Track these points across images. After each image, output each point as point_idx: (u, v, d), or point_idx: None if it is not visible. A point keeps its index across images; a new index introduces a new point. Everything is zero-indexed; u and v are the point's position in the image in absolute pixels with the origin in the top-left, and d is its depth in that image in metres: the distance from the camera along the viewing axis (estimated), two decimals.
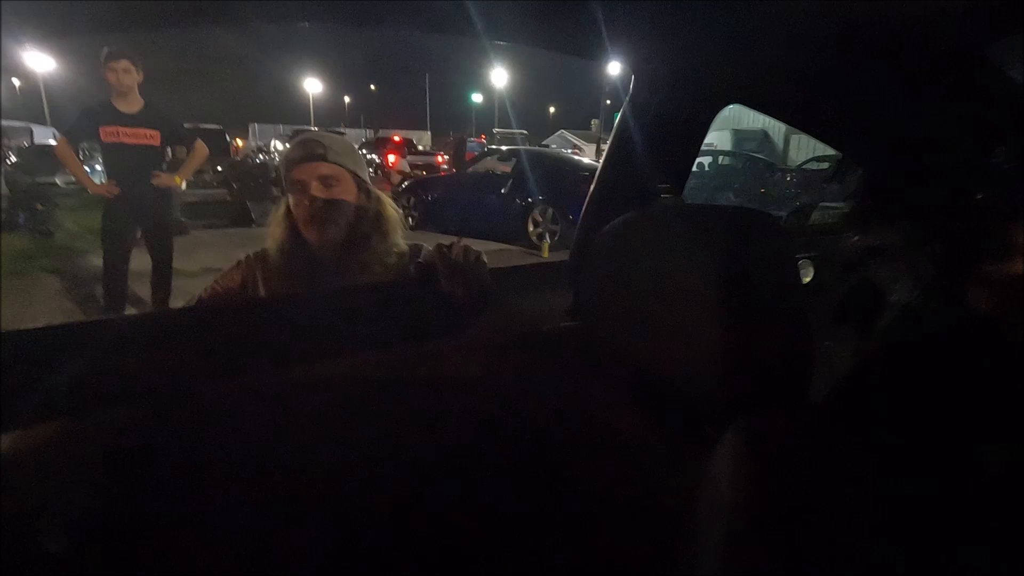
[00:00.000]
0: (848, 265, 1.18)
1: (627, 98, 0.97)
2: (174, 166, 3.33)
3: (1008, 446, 0.84)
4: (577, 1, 0.69)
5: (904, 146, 0.98)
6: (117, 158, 2.99)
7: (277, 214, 1.08)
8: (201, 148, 3.27)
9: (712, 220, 0.54)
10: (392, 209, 1.13)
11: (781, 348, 0.51)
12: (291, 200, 1.05)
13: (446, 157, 16.48)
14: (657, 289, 0.57)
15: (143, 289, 3.38)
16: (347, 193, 1.06)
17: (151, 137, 3.01)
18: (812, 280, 1.23)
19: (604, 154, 1.04)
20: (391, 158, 12.06)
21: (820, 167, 9.86)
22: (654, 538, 0.55)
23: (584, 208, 1.05)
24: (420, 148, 16.88)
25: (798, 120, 1.02)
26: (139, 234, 3.17)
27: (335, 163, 1.04)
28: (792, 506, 0.41)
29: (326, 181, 1.04)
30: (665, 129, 0.98)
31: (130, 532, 0.62)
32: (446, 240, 0.92)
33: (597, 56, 0.88)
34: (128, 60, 2.84)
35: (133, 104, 2.94)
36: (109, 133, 2.91)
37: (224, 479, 0.67)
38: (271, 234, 1.08)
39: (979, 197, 1.05)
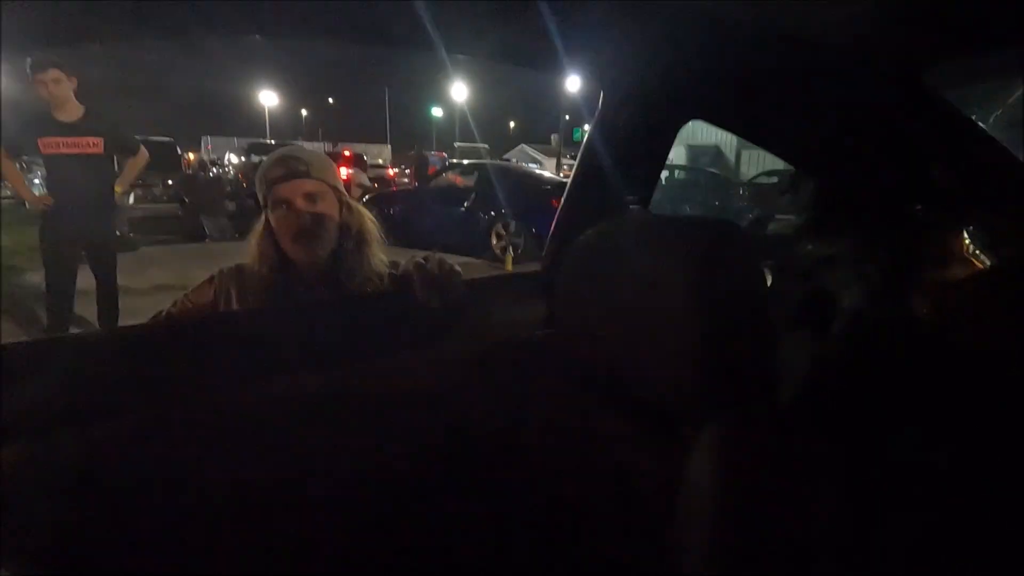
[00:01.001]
0: (802, 273, 1.24)
1: (596, 114, 1.00)
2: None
3: (953, 438, 0.90)
4: (553, 23, 0.72)
5: (851, 162, 1.04)
6: (59, 170, 2.83)
7: (256, 231, 1.07)
8: (143, 155, 3.12)
9: (682, 230, 0.57)
10: (372, 222, 1.13)
11: (749, 351, 0.53)
12: (274, 218, 1.04)
13: (397, 171, 16.54)
14: (630, 297, 0.59)
15: (88, 309, 3.22)
16: (331, 208, 1.06)
17: (94, 145, 2.84)
18: (769, 287, 1.29)
19: (574, 168, 1.07)
20: (343, 171, 12.00)
21: (770, 181, 10.30)
22: (636, 540, 0.56)
23: (555, 220, 1.08)
24: (369, 162, 16.86)
25: (754, 135, 1.08)
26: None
27: (318, 179, 1.04)
28: (766, 502, 0.44)
29: (311, 198, 1.03)
30: (632, 144, 1.02)
31: (95, 556, 0.60)
32: (410, 254, 0.93)
33: (568, 73, 0.91)
34: (57, 69, 2.68)
35: (72, 112, 2.78)
36: (48, 144, 2.76)
37: (196, 497, 0.65)
38: (251, 251, 1.06)
39: (918, 209, 1.13)
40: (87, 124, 2.83)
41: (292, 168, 1.02)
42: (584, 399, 0.68)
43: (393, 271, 1.08)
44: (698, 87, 0.95)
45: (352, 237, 1.07)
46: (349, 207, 1.10)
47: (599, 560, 0.59)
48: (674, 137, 1.06)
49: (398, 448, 0.74)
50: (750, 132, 1.07)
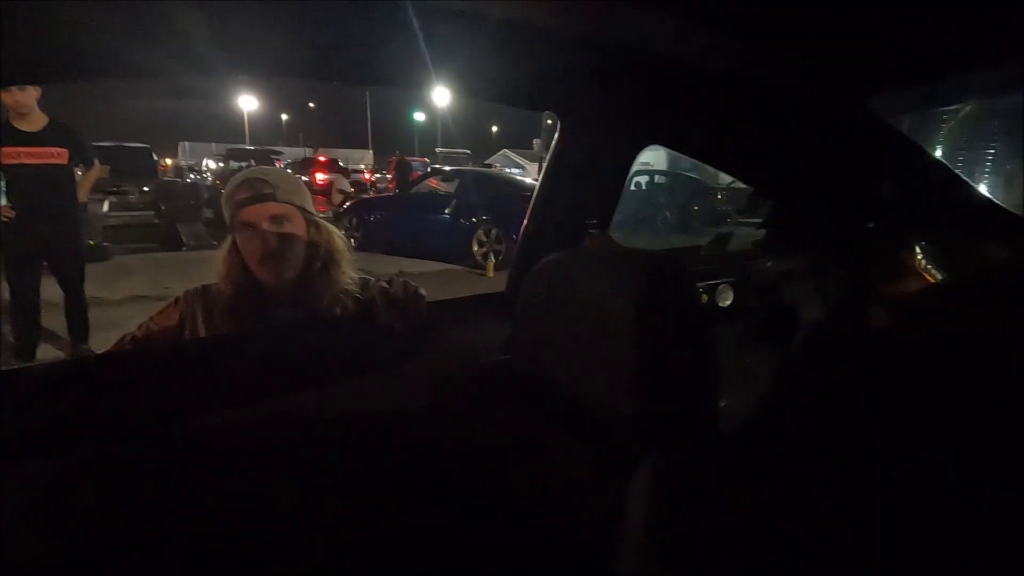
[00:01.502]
0: (762, 289, 1.28)
1: (554, 142, 1.03)
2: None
3: (917, 459, 0.94)
4: (505, 57, 0.74)
5: (803, 183, 1.08)
6: (19, 180, 2.78)
7: (222, 252, 1.06)
8: (99, 167, 3.12)
9: (623, 263, 0.60)
10: (341, 240, 1.12)
11: (691, 377, 0.56)
12: (240, 240, 1.03)
13: (376, 176, 16.50)
14: (581, 325, 0.62)
15: (57, 322, 3.16)
16: (299, 229, 1.05)
17: (58, 156, 2.81)
18: (731, 303, 1.33)
19: (535, 192, 1.10)
20: (319, 176, 11.96)
21: (747, 187, 10.43)
22: (582, 567, 0.58)
23: (518, 245, 1.10)
24: (351, 167, 16.84)
25: (710, 159, 1.11)
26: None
27: (285, 201, 1.03)
28: (697, 538, 0.45)
29: (277, 220, 1.02)
30: (590, 170, 1.04)
31: None
32: (391, 260, 0.94)
33: (527, 106, 0.93)
34: None
35: (35, 122, 2.74)
36: (9, 155, 2.70)
37: (157, 528, 0.66)
38: (218, 271, 1.05)
39: (871, 227, 1.18)
40: (51, 135, 2.79)
41: (258, 191, 1.01)
42: (538, 424, 0.70)
43: (359, 295, 1.09)
44: (652, 117, 0.98)
45: (320, 257, 1.06)
46: (317, 226, 1.09)
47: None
48: (632, 163, 1.09)
49: (357, 471, 0.75)
50: (705, 156, 1.11)
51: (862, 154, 1.01)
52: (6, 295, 2.91)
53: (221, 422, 0.75)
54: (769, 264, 1.30)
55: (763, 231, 1.38)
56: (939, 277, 1.11)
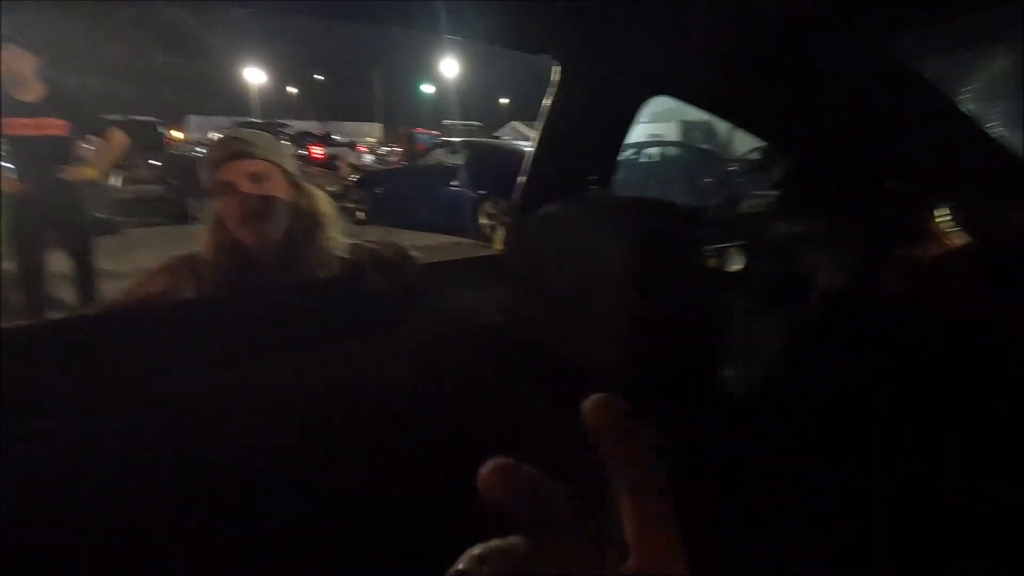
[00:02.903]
0: (775, 252, 1.23)
1: (552, 89, 0.96)
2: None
3: (931, 429, 0.90)
4: None
5: (820, 136, 1.02)
6: (21, 152, 2.74)
7: (205, 217, 1.04)
8: (118, 138, 2.98)
9: (620, 213, 0.55)
10: (328, 203, 1.09)
11: (689, 337, 0.52)
12: (220, 203, 1.01)
13: (366, 147, 16.12)
14: (578, 281, 0.58)
15: (68, 295, 3.18)
16: (279, 189, 1.02)
17: (57, 127, 2.75)
18: (742, 268, 1.27)
19: (533, 148, 1.04)
20: (316, 150, 11.87)
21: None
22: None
23: (515, 204, 1.05)
24: (336, 138, 16.42)
25: (722, 110, 1.04)
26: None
27: (263, 159, 1.01)
28: (699, 502, 0.42)
29: (256, 179, 1.00)
30: (591, 121, 0.98)
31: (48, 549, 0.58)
32: (399, 234, 0.91)
33: (524, 48, 0.87)
34: (15, 45, 2.57)
35: (33, 92, 2.67)
36: (10, 126, 2.66)
37: (146, 487, 0.65)
38: (203, 239, 1.03)
39: (891, 186, 1.11)
40: (49, 105, 2.74)
41: (234, 148, 1.00)
42: (534, 387, 0.67)
43: (348, 257, 1.05)
44: (660, 63, 0.92)
45: (303, 220, 1.04)
46: (299, 187, 1.06)
47: None
48: (635, 115, 1.03)
49: (350, 436, 0.73)
50: (717, 107, 1.04)
51: (884, 104, 0.94)
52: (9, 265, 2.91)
53: (209, 386, 0.73)
54: (782, 227, 1.24)
55: (776, 192, 1.31)
56: (964, 242, 1.05)
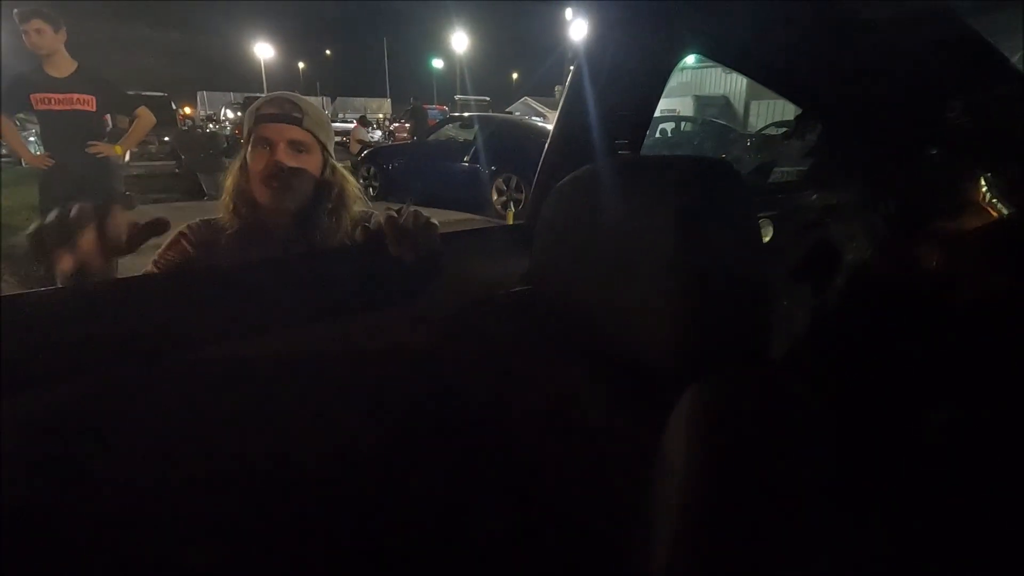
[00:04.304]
0: (806, 224, 1.18)
1: (582, 47, 0.91)
2: (118, 136, 3.08)
3: (957, 402, 0.87)
4: None
5: (861, 100, 0.96)
6: (50, 127, 2.79)
7: (232, 169, 1.03)
8: (146, 116, 3.04)
9: (667, 170, 0.51)
10: (356, 189, 1.08)
11: (740, 305, 0.48)
12: (251, 155, 0.99)
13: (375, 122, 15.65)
14: (611, 247, 0.54)
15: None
16: (313, 164, 1.01)
17: (84, 102, 2.78)
18: (771, 239, 1.23)
19: (559, 109, 0.99)
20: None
21: (779, 132, 10.01)
22: (611, 505, 0.53)
23: (539, 168, 1.01)
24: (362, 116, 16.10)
25: (757, 71, 0.99)
26: None
27: (308, 130, 1.00)
28: (747, 465, 0.40)
29: (295, 146, 0.99)
30: (621, 81, 0.93)
31: (59, 525, 0.57)
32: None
33: (554, 5, 0.82)
34: (41, 19, 2.59)
35: (63, 68, 2.71)
36: (40, 100, 2.70)
37: (162, 461, 0.63)
38: (225, 190, 1.02)
39: (933, 153, 1.06)
40: (78, 80, 2.76)
41: (286, 111, 0.98)
42: (561, 360, 0.64)
43: (366, 224, 1.03)
44: (695, 16, 0.86)
45: (331, 199, 1.03)
46: (333, 170, 1.05)
47: (573, 524, 0.56)
48: (668, 74, 0.97)
49: (372, 409, 0.71)
50: (752, 68, 0.98)
51: (931, 63, 0.88)
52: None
53: (228, 354, 0.71)
54: (814, 197, 1.19)
55: (807, 161, 1.26)
56: (1007, 215, 1.00)
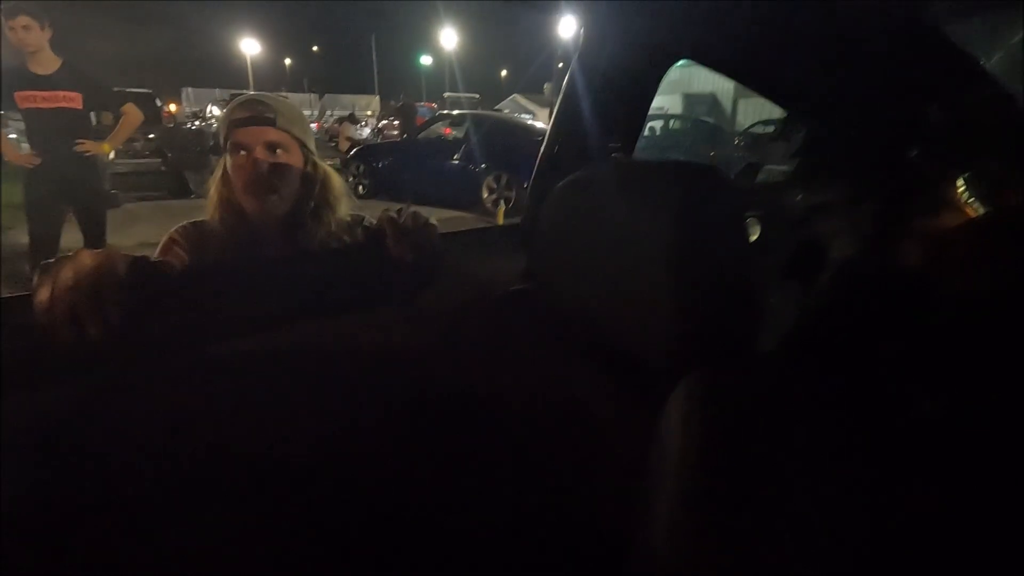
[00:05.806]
0: (792, 222, 1.21)
1: (576, 54, 0.94)
2: (102, 133, 3.04)
3: (946, 391, 0.90)
4: None
5: (844, 104, 1.00)
6: (35, 125, 2.75)
7: (215, 177, 1.02)
8: (133, 113, 3.00)
9: (660, 175, 0.54)
10: (341, 184, 1.07)
11: (731, 301, 0.51)
12: (231, 163, 0.98)
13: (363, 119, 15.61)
14: (607, 247, 0.57)
15: None
16: (293, 163, 1.00)
17: (70, 100, 2.74)
18: (758, 238, 1.26)
19: (554, 113, 1.02)
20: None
21: (766, 130, 10.10)
22: (611, 498, 0.56)
23: (535, 169, 1.03)
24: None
25: (745, 76, 1.02)
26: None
27: (284, 130, 0.98)
28: (743, 454, 0.42)
29: (272, 148, 0.98)
30: (614, 86, 0.96)
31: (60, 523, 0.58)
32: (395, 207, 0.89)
33: (548, 7, 0.85)
34: (27, 16, 2.55)
35: (47, 65, 2.68)
36: (25, 98, 2.67)
37: (162, 461, 0.64)
38: (209, 199, 1.02)
39: (913, 154, 1.09)
40: (63, 78, 2.73)
41: (258, 113, 0.96)
42: (560, 356, 0.67)
43: (368, 225, 1.04)
44: (687, 25, 0.89)
45: (314, 198, 1.02)
46: (315, 165, 1.04)
47: (573, 518, 0.58)
48: (660, 79, 1.00)
49: (370, 407, 0.73)
50: (740, 73, 1.02)
51: (911, 69, 0.92)
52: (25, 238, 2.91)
53: (229, 354, 0.73)
54: (800, 197, 1.22)
55: (794, 161, 1.29)
56: (985, 214, 1.03)
